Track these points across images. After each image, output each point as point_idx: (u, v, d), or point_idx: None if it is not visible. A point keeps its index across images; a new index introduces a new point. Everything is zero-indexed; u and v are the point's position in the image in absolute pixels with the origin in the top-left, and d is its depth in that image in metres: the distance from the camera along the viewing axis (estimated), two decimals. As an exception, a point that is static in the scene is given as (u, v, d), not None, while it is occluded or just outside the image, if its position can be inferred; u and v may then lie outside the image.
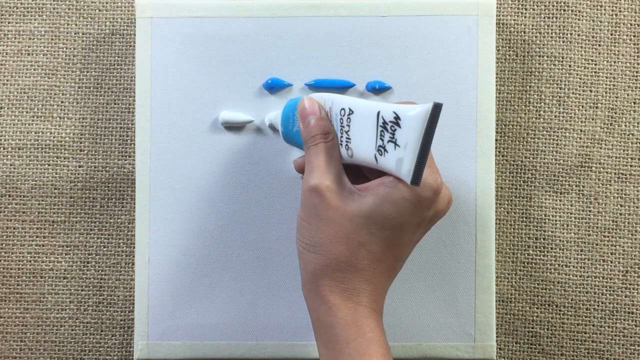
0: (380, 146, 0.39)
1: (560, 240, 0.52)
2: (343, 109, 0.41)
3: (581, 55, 0.52)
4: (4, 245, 0.52)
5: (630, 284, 0.51)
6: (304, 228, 0.40)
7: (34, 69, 0.52)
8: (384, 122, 0.39)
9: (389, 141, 0.38)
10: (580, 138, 0.52)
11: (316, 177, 0.40)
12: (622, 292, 0.51)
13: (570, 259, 0.52)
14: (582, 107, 0.52)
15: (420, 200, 0.39)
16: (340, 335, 0.39)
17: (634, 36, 0.52)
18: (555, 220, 0.52)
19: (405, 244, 0.40)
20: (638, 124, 0.52)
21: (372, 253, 0.39)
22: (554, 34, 0.52)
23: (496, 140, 0.52)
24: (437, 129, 0.49)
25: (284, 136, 0.45)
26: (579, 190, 0.52)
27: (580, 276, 0.52)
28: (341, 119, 0.41)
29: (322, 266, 0.40)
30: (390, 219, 0.39)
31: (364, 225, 0.39)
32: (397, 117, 0.38)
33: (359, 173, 0.43)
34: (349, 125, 0.41)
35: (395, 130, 0.38)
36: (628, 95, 0.52)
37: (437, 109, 0.37)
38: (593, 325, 0.51)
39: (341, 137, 0.41)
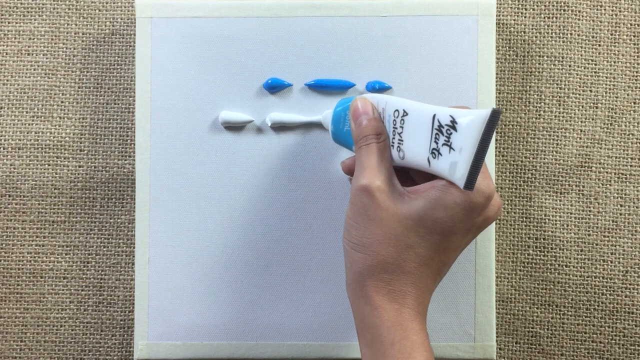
0: (434, 149, 0.39)
1: (560, 240, 0.52)
2: (397, 110, 0.41)
3: (581, 55, 0.52)
4: (4, 245, 0.52)
5: (630, 284, 0.51)
6: (352, 227, 0.40)
7: (34, 69, 0.52)
8: (440, 125, 0.38)
9: (443, 144, 0.38)
10: (580, 138, 0.52)
11: (367, 177, 0.40)
12: (622, 292, 0.51)
13: (570, 259, 0.52)
14: (582, 107, 0.52)
15: (472, 205, 0.38)
16: (385, 336, 0.38)
17: (634, 36, 0.52)
18: (555, 220, 0.52)
19: (453, 248, 0.40)
20: (638, 124, 0.52)
21: (420, 256, 0.39)
22: (554, 34, 0.52)
23: (496, 140, 0.52)
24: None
25: (333, 135, 0.45)
26: (579, 190, 0.52)
27: (580, 276, 0.52)
28: (394, 120, 0.41)
29: (369, 266, 0.39)
30: (440, 223, 0.38)
31: (413, 228, 0.39)
32: (453, 121, 0.38)
33: (406, 176, 0.43)
34: (402, 127, 0.40)
35: (451, 133, 0.38)
36: (628, 95, 0.52)
37: (495, 114, 0.36)
38: (593, 325, 0.51)
39: (393, 138, 0.41)
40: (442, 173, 0.38)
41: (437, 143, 0.38)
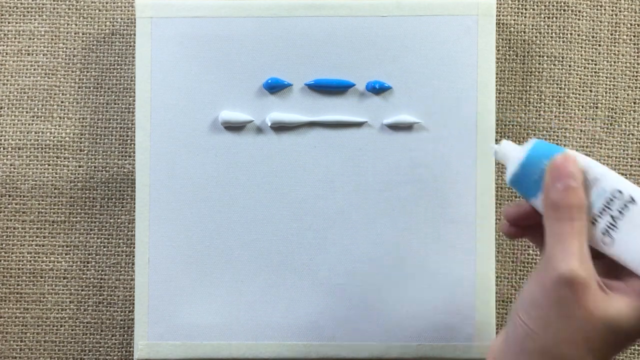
0: None
1: (560, 240, 0.51)
2: (621, 191, 0.35)
3: (581, 55, 0.52)
4: (4, 245, 0.52)
5: (630, 284, 0.51)
6: (538, 317, 0.35)
7: (34, 69, 0.52)
8: None
9: None
10: (580, 138, 0.52)
11: (570, 264, 0.34)
12: (622, 292, 0.51)
13: (570, 259, 0.51)
14: (582, 107, 0.52)
15: None
16: None
17: (634, 36, 0.52)
18: (555, 220, 0.51)
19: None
20: (638, 124, 0.52)
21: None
22: (554, 34, 0.52)
23: (496, 140, 0.52)
24: (437, 130, 0.49)
25: (514, 177, 0.38)
26: (579, 190, 0.52)
27: (580, 276, 0.51)
28: (611, 199, 0.35)
29: (538, 353, 0.35)
30: (635, 333, 0.34)
31: (605, 334, 0.34)
32: None
33: None
34: (621, 213, 0.35)
35: None
36: (628, 95, 0.52)
37: None
38: (593, 325, 0.51)
39: (599, 216, 0.36)
40: None
41: None
